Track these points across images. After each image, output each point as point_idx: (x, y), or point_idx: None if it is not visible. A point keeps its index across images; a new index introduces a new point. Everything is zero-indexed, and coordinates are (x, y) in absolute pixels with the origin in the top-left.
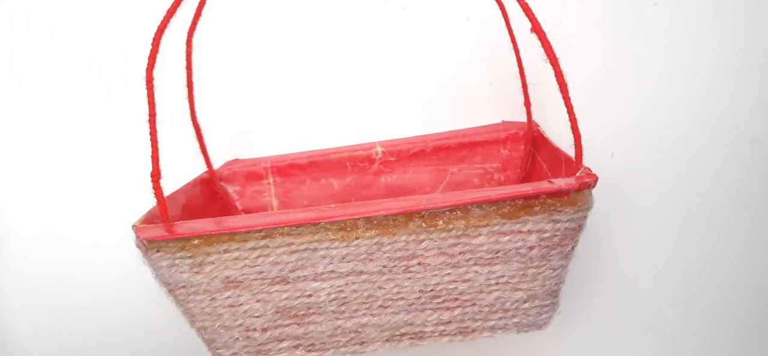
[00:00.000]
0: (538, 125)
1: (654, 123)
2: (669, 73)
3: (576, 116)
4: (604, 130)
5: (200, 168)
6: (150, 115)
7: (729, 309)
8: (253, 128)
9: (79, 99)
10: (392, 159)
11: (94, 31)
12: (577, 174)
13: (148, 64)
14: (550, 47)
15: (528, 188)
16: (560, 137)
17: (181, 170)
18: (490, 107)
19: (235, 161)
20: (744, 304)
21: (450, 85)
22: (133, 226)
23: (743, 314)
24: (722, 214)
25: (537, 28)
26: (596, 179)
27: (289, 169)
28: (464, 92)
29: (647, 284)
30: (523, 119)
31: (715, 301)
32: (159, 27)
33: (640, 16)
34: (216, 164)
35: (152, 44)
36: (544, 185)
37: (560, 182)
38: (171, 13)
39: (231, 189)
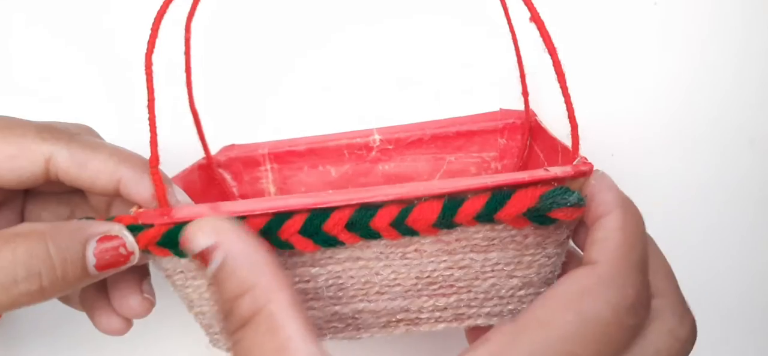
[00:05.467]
0: (535, 115)
1: (654, 123)
2: (669, 73)
3: (573, 106)
4: (604, 130)
5: (197, 155)
6: (149, 101)
7: (728, 308)
8: (250, 114)
9: (79, 99)
10: (390, 147)
11: (94, 30)
12: (574, 163)
13: (147, 50)
14: (548, 36)
15: (524, 175)
16: (557, 128)
17: (178, 157)
18: (487, 95)
19: (232, 146)
20: (744, 304)
21: (447, 73)
22: (132, 211)
23: (743, 314)
24: (722, 214)
25: (535, 17)
26: (591, 168)
27: (286, 156)
28: (461, 79)
29: None
30: (521, 108)
31: (715, 301)
32: (158, 12)
33: (640, 16)
34: (212, 150)
35: (151, 29)
36: (540, 173)
37: (556, 171)
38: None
39: (228, 176)
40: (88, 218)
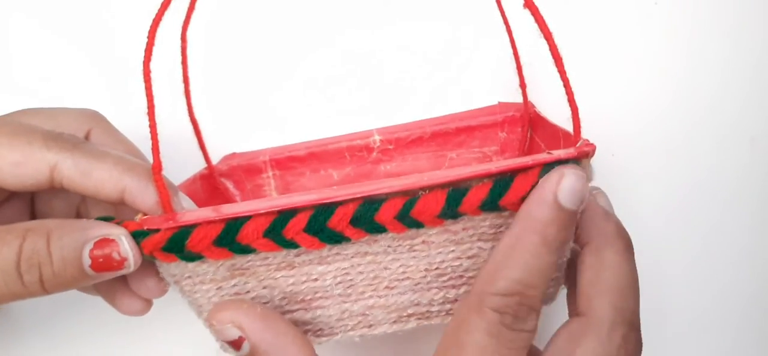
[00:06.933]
0: (534, 106)
1: (654, 122)
2: (670, 72)
3: (572, 89)
4: (604, 130)
5: (198, 165)
6: (149, 108)
7: (728, 308)
8: (249, 121)
9: (79, 99)
10: (390, 147)
11: (95, 30)
12: (577, 145)
13: (144, 58)
14: (543, 20)
15: (528, 160)
16: (557, 120)
17: (181, 168)
18: (484, 91)
19: (233, 155)
20: (744, 304)
21: (444, 71)
22: (137, 218)
23: (743, 313)
24: (723, 213)
25: (529, 2)
26: (594, 148)
27: (287, 161)
28: (458, 76)
29: (646, 283)
30: (519, 100)
31: (715, 300)
32: (154, 20)
33: (641, 16)
34: (213, 160)
35: (148, 37)
36: (543, 157)
37: (559, 153)
38: (165, 5)
39: (231, 184)
40: (106, 218)
